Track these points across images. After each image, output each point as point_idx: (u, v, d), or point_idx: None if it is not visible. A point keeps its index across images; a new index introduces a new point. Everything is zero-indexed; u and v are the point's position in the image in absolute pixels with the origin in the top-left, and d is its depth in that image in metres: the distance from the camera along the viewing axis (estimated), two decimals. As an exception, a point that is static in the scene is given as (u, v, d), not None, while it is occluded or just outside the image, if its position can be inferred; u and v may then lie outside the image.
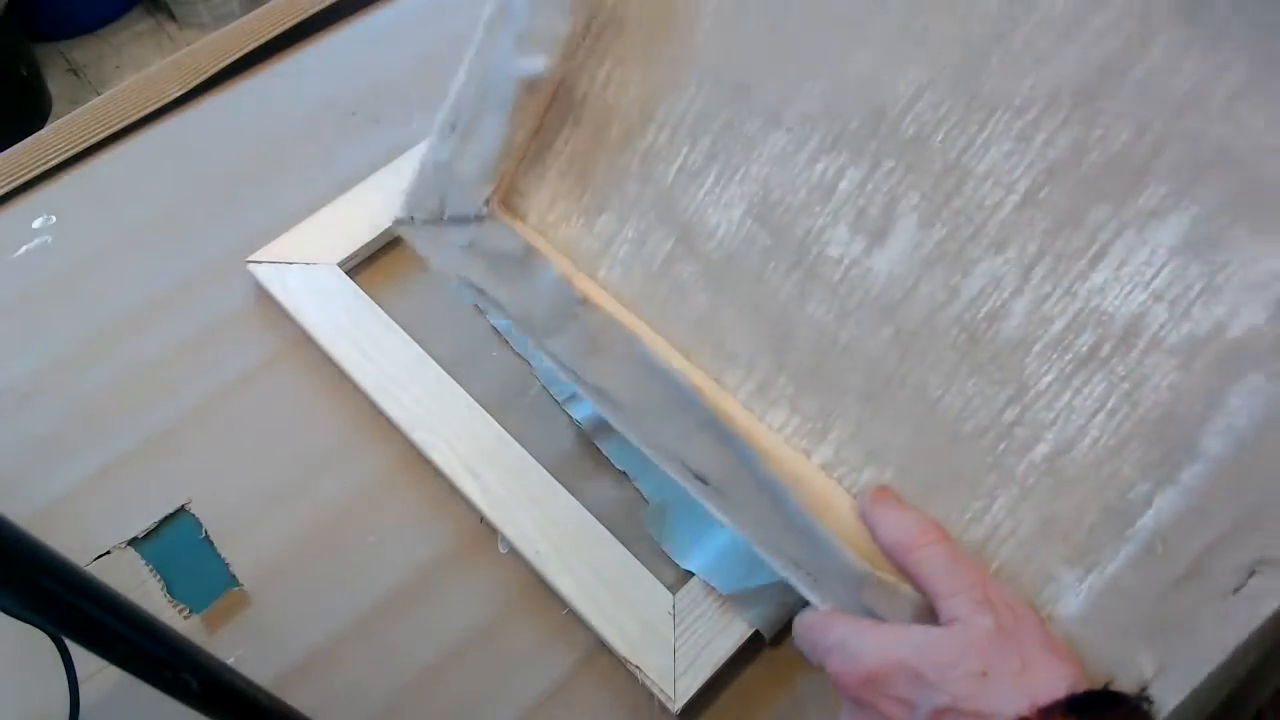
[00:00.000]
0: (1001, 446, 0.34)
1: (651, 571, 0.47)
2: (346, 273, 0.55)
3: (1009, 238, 0.33)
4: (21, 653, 0.44)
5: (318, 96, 0.65)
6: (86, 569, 0.29)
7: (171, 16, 1.79)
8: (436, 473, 0.50)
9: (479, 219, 0.39)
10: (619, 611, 0.46)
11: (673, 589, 0.47)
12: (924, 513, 0.36)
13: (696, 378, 0.38)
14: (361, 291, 0.54)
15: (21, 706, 0.45)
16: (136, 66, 1.71)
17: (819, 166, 0.36)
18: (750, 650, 0.46)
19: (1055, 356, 0.33)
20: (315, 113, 0.64)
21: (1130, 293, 0.32)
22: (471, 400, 0.51)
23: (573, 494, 0.49)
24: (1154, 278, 0.32)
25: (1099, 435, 0.33)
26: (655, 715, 0.45)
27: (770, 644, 0.47)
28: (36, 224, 0.59)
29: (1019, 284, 0.33)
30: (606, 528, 0.48)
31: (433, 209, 0.40)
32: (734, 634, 0.46)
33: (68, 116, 0.63)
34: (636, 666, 0.45)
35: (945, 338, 0.34)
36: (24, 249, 0.58)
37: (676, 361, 0.38)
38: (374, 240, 0.56)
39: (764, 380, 0.37)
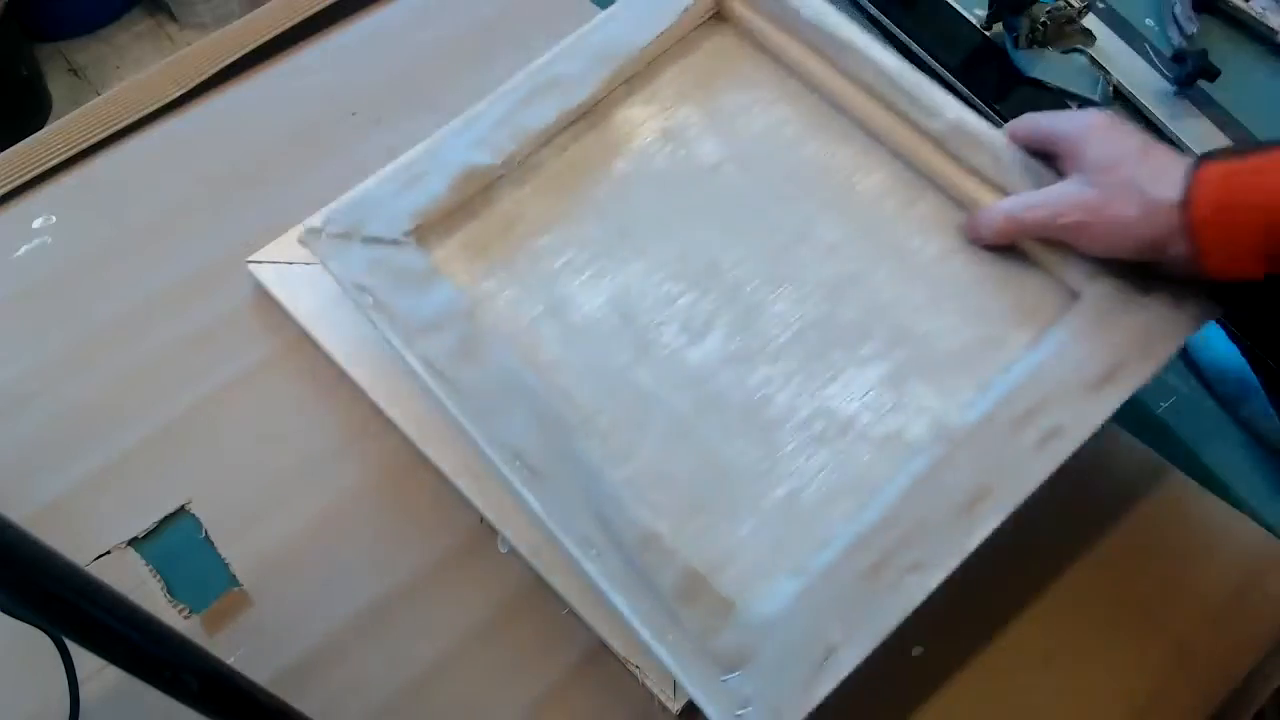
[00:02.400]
0: (754, 486, 0.46)
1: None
2: (346, 273, 0.55)
3: (781, 356, 0.49)
4: (21, 653, 0.44)
5: (318, 96, 0.65)
6: (86, 569, 0.29)
7: (172, 16, 1.79)
8: (436, 473, 0.50)
9: (395, 243, 0.50)
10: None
11: (673, 589, 0.47)
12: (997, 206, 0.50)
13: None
14: (361, 291, 0.54)
15: (21, 706, 0.45)
16: (136, 67, 1.71)
17: (665, 288, 0.51)
18: (750, 650, 0.46)
19: (798, 433, 0.48)
20: (315, 113, 0.64)
21: (849, 402, 0.48)
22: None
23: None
24: (864, 396, 0.48)
25: (819, 487, 0.46)
26: (655, 715, 0.46)
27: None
28: (36, 224, 0.59)
29: (782, 385, 0.49)
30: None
31: (349, 226, 0.50)
32: (734, 634, 0.46)
33: (68, 116, 0.63)
34: (636, 666, 0.45)
35: (729, 409, 0.48)
36: (24, 249, 0.58)
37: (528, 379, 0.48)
38: (374, 240, 0.57)
39: (588, 415, 0.48)
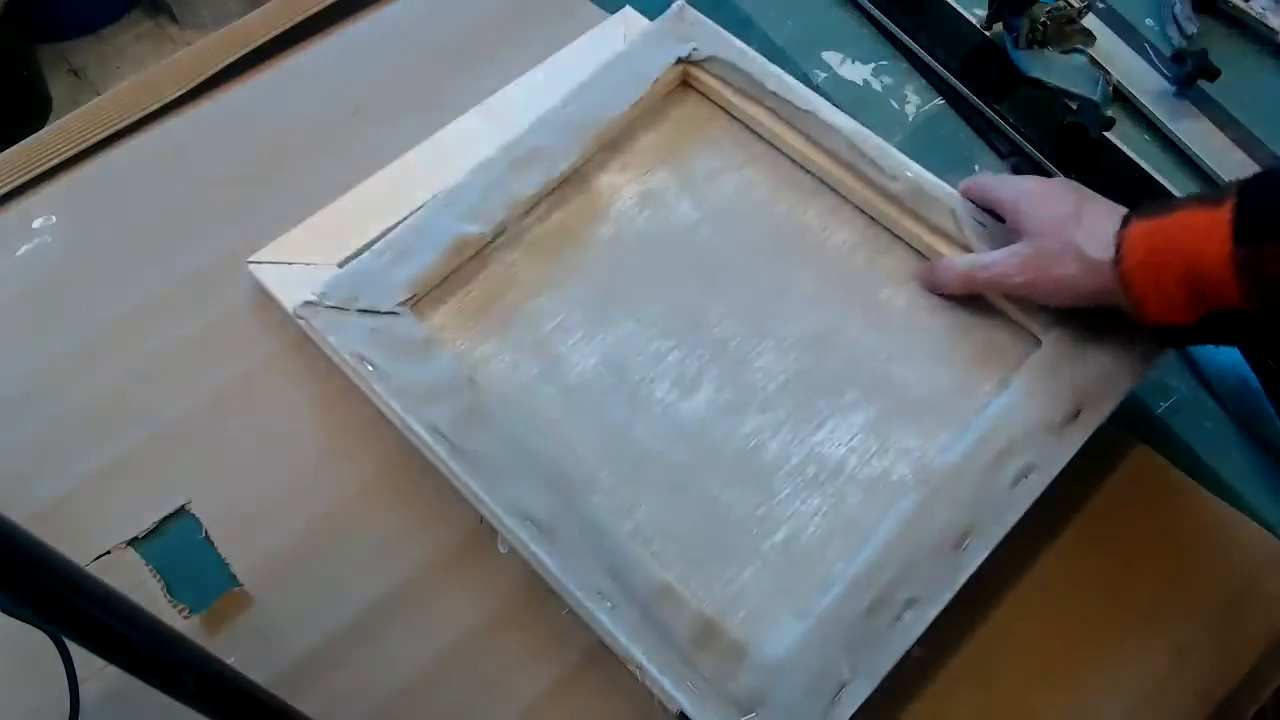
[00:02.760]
0: (754, 532, 0.49)
1: (651, 571, 0.48)
2: (346, 273, 0.56)
3: (769, 406, 0.52)
4: (21, 653, 0.44)
5: (318, 96, 0.65)
6: (86, 569, 0.29)
7: (172, 17, 1.79)
8: (436, 473, 0.50)
9: (390, 314, 0.52)
10: (618, 611, 0.47)
11: (673, 589, 0.47)
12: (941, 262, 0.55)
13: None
14: (361, 291, 0.54)
15: (21, 706, 0.45)
16: (136, 67, 1.71)
17: (654, 345, 0.54)
18: (750, 650, 0.46)
19: (792, 478, 0.50)
20: (315, 113, 0.64)
21: (837, 447, 0.51)
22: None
23: (573, 494, 0.49)
24: (850, 441, 0.51)
25: (815, 530, 0.49)
26: (655, 715, 0.45)
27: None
28: (36, 224, 0.59)
29: (773, 433, 0.51)
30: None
31: (344, 299, 0.52)
32: (733, 634, 0.47)
33: (68, 116, 0.63)
34: (637, 666, 0.45)
35: (724, 459, 0.50)
36: (24, 249, 0.58)
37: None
38: (374, 240, 0.56)
39: (591, 471, 0.50)
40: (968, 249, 0.55)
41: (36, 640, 0.34)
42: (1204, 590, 0.50)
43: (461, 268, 0.55)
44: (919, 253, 0.57)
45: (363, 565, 0.49)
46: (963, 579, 0.46)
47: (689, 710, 0.43)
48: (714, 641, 0.44)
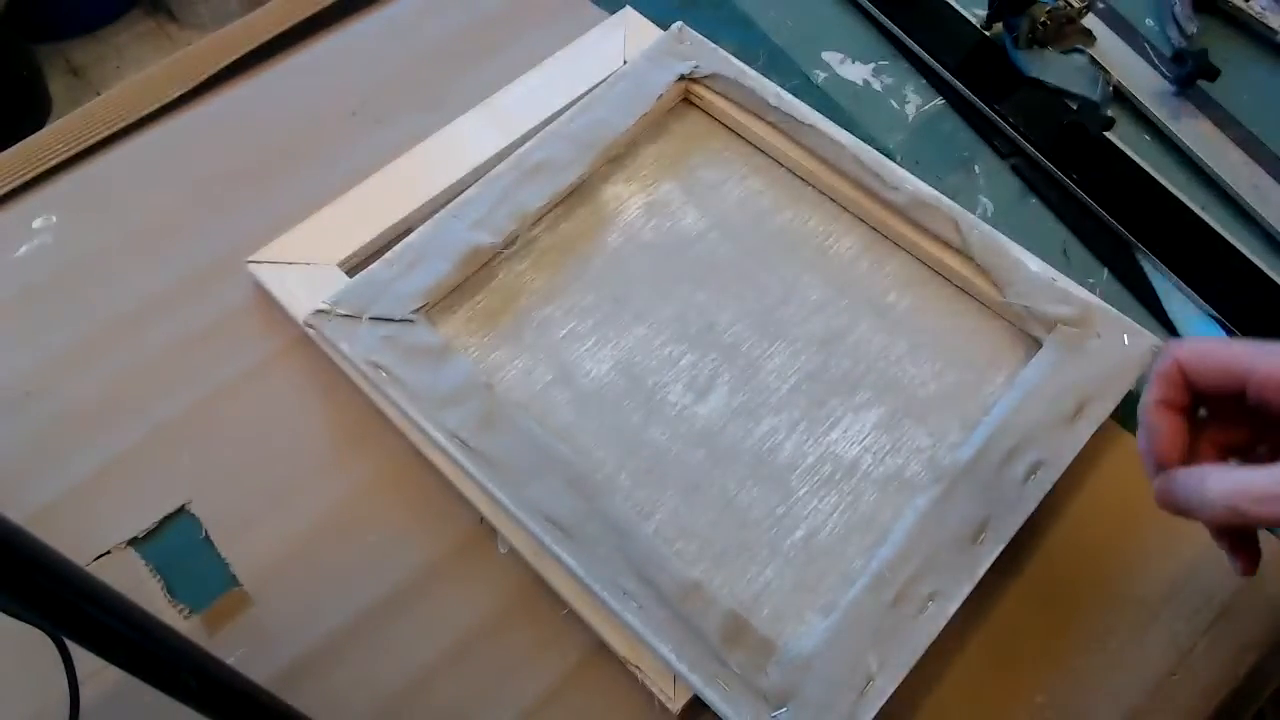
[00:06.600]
0: (773, 531, 0.49)
1: (651, 571, 0.48)
2: (346, 273, 0.55)
3: (783, 407, 0.53)
4: (21, 653, 0.44)
5: (318, 96, 0.65)
6: (86, 569, 0.28)
7: (171, 16, 1.79)
8: (436, 473, 0.50)
9: (405, 321, 0.52)
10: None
11: (673, 589, 0.47)
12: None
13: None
14: (361, 291, 0.54)
15: (21, 706, 0.45)
16: (136, 67, 1.71)
17: (667, 349, 0.55)
18: (750, 650, 0.46)
19: (808, 477, 0.51)
20: (315, 113, 0.64)
21: (851, 446, 0.52)
22: (471, 400, 0.52)
23: (573, 494, 0.49)
24: (864, 439, 0.52)
25: (833, 527, 0.50)
26: (655, 715, 0.46)
27: (770, 644, 0.47)
28: (36, 224, 0.59)
29: (788, 433, 0.52)
30: (606, 528, 0.49)
31: (356, 308, 0.53)
32: (734, 634, 0.47)
33: (68, 116, 0.63)
34: (636, 666, 0.45)
35: (741, 459, 0.51)
36: (24, 249, 0.58)
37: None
38: (374, 240, 0.57)
39: (609, 474, 0.51)
40: (970, 258, 0.55)
41: (36, 640, 0.34)
42: (1204, 590, 0.50)
43: (471, 278, 0.56)
44: (919, 259, 0.58)
45: (363, 565, 0.49)
46: (982, 571, 0.47)
47: (721, 707, 0.43)
48: (743, 638, 0.44)
